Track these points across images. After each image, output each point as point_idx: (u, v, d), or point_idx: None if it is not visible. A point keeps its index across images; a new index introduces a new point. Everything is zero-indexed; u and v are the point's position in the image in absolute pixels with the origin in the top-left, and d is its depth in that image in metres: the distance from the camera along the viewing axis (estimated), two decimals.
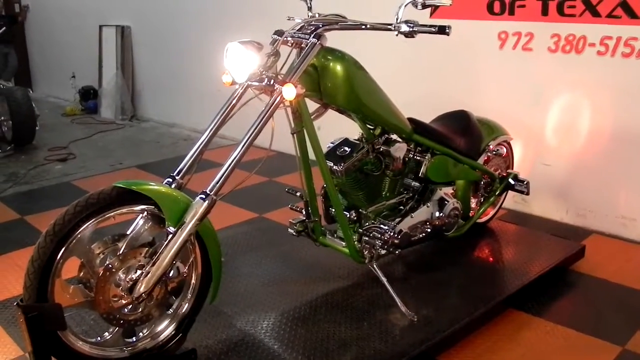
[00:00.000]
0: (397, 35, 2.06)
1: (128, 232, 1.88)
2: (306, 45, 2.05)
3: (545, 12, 3.23)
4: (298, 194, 2.53)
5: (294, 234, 2.49)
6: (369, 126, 2.39)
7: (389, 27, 2.06)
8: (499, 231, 3.04)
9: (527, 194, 2.85)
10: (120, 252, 1.81)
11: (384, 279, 2.37)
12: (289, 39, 2.10)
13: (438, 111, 2.83)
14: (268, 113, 1.98)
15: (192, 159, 2.08)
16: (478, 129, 2.78)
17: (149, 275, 1.78)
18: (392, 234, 2.37)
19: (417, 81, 3.79)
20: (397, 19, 2.05)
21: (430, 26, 2.01)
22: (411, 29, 2.02)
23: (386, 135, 2.44)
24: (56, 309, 1.69)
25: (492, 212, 3.04)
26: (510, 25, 3.37)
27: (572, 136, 3.30)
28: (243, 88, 2.13)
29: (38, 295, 1.69)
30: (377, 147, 2.40)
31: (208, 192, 1.87)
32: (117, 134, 5.63)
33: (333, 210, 2.47)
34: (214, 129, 2.12)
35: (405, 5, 2.05)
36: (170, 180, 2.03)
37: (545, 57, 3.27)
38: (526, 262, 2.69)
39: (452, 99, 3.38)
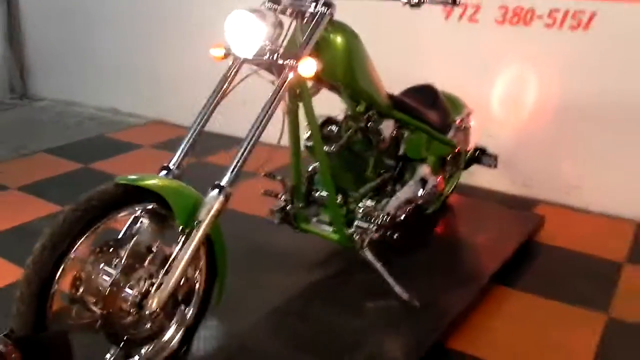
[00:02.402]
0: (403, 5, 1.93)
1: (120, 236, 1.61)
2: (314, 15, 1.85)
3: None
4: (279, 177, 2.34)
5: (276, 221, 2.31)
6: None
7: None
8: (459, 206, 3.03)
9: (495, 167, 2.85)
10: (123, 261, 1.54)
11: (378, 265, 2.26)
12: (289, 7, 1.89)
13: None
14: (281, 92, 1.77)
15: (187, 145, 1.83)
16: (445, 104, 2.73)
17: (162, 287, 1.54)
18: (385, 216, 2.26)
19: None
20: None
21: None
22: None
23: (370, 112, 2.30)
24: (61, 337, 1.40)
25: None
26: None
27: (518, 108, 3.35)
28: (238, 64, 1.89)
29: (36, 323, 1.39)
30: (365, 124, 2.27)
31: (222, 184, 1.64)
32: (9, 115, 4.99)
33: (317, 194, 2.33)
34: (208, 111, 1.88)
35: None
36: (165, 172, 1.77)
37: (492, 28, 3.27)
38: (499, 237, 2.69)
39: (397, 72, 3.26)
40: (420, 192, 2.48)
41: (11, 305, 1.42)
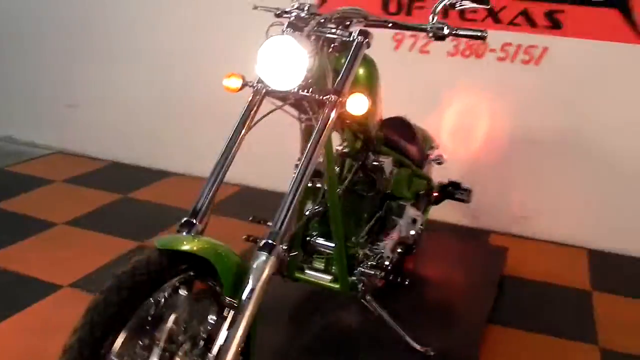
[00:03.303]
0: (430, 36, 1.81)
1: (154, 314, 1.31)
2: (347, 44, 1.68)
3: (445, 14, 3.19)
4: (269, 223, 2.11)
5: None
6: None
7: (424, 27, 1.81)
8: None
9: (469, 202, 2.81)
10: (161, 345, 1.25)
11: (383, 313, 2.10)
12: (312, 34, 1.68)
13: None
14: (325, 131, 1.56)
15: (209, 194, 1.57)
16: (419, 137, 2.65)
17: None
18: (387, 260, 2.11)
19: None
20: (432, 20, 1.80)
21: (468, 30, 1.80)
22: (451, 32, 1.79)
23: (367, 149, 2.15)
24: None
25: None
26: None
27: (468, 140, 3.36)
28: (261, 96, 1.66)
29: None
30: (367, 162, 2.12)
31: (272, 242, 1.40)
32: None
33: (314, 240, 2.12)
34: (231, 152, 1.63)
35: (441, 6, 1.81)
36: (188, 227, 1.50)
37: (444, 60, 3.26)
38: (478, 272, 2.65)
39: None
40: (412, 232, 2.36)
41: None
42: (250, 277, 1.34)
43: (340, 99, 1.57)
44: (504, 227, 3.36)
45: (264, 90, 1.65)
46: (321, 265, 2.14)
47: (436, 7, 1.82)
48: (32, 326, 2.28)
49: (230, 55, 3.73)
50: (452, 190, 2.78)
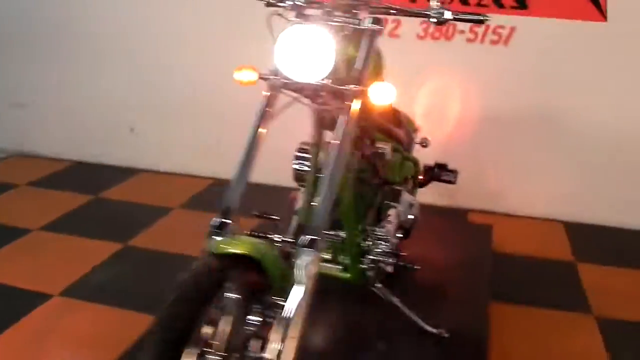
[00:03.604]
0: (433, 22, 1.81)
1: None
2: (359, 32, 1.66)
3: None
4: (275, 217, 2.09)
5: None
6: None
7: (427, 13, 1.80)
8: None
9: (455, 183, 2.85)
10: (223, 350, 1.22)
11: (395, 299, 2.12)
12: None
13: None
14: (352, 123, 1.54)
15: (237, 193, 1.53)
16: (405, 121, 2.67)
17: None
18: (393, 246, 2.12)
19: None
20: (434, 4, 1.80)
21: (469, 14, 1.81)
22: (455, 17, 1.79)
23: (365, 136, 2.15)
24: None
25: None
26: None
27: (442, 121, 3.41)
28: (275, 90, 1.62)
29: None
30: (367, 150, 2.12)
31: (314, 236, 1.38)
32: None
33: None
34: (254, 149, 1.59)
35: None
36: (219, 224, 1.46)
37: (414, 43, 3.29)
38: (471, 251, 2.71)
39: None
40: (410, 216, 2.38)
41: None
42: (298, 275, 1.33)
43: (363, 89, 1.56)
44: (480, 204, 3.44)
45: (281, 84, 1.61)
46: (329, 256, 2.14)
47: None
48: (31, 338, 2.18)
49: (197, 46, 3.66)
50: (439, 172, 2.82)
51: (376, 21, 1.68)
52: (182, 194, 3.49)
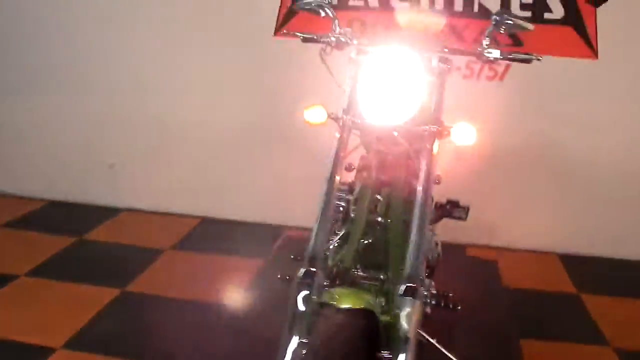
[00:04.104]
0: (484, 61, 1.81)
1: None
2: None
3: None
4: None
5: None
6: None
7: (477, 51, 1.80)
8: None
9: (465, 219, 2.83)
10: None
11: (433, 341, 2.06)
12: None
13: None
14: (432, 162, 1.50)
15: (320, 240, 1.45)
16: None
17: None
18: (430, 286, 2.07)
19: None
20: (484, 44, 1.80)
21: (520, 54, 1.82)
22: (503, 57, 1.80)
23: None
24: None
25: None
26: None
27: (438, 156, 3.41)
28: (348, 132, 1.56)
29: None
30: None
31: (414, 286, 1.32)
32: None
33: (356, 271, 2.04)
34: (332, 194, 1.52)
35: (491, 32, 1.82)
36: (310, 277, 1.37)
37: None
38: (483, 287, 2.70)
39: None
40: (436, 255, 2.35)
41: None
42: (404, 326, 1.26)
43: (446, 129, 1.53)
44: (475, 239, 3.44)
45: (350, 122, 1.56)
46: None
47: (489, 30, 1.82)
48: None
49: (181, 78, 3.56)
50: (451, 209, 2.80)
51: (445, 61, 1.66)
52: (171, 234, 3.33)
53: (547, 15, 3.13)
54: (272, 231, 3.43)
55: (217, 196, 3.62)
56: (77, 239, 3.21)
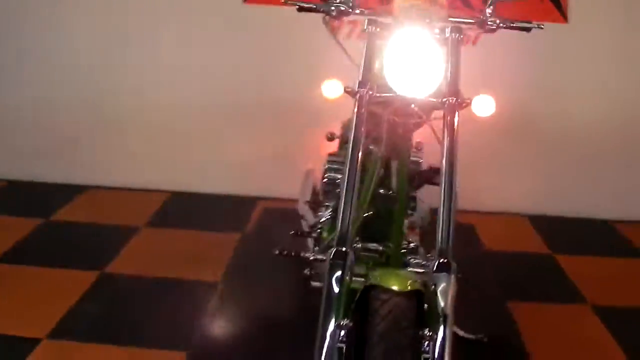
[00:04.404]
0: (486, 30, 1.79)
1: None
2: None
3: None
4: (314, 234, 2.00)
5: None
6: None
7: (480, 20, 1.78)
8: None
9: None
10: None
11: None
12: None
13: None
14: (456, 134, 1.48)
15: (349, 218, 1.41)
16: None
17: None
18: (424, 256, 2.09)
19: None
20: (488, 12, 1.78)
21: (521, 22, 1.81)
22: (506, 25, 1.78)
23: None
24: None
25: None
26: None
27: None
28: (365, 106, 1.51)
29: None
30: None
31: (448, 261, 1.31)
32: None
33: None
34: (356, 171, 1.47)
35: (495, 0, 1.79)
36: (342, 257, 1.34)
37: None
38: (466, 250, 2.72)
39: None
40: (427, 223, 2.36)
41: None
42: (440, 303, 1.26)
43: (467, 101, 1.51)
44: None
45: (367, 96, 1.50)
46: (362, 271, 2.06)
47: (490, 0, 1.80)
48: None
49: (149, 45, 3.40)
50: (432, 175, 2.82)
51: (457, 30, 1.63)
52: (143, 210, 3.23)
53: None
54: (245, 204, 3.38)
55: (186, 170, 3.53)
56: (44, 220, 3.07)
